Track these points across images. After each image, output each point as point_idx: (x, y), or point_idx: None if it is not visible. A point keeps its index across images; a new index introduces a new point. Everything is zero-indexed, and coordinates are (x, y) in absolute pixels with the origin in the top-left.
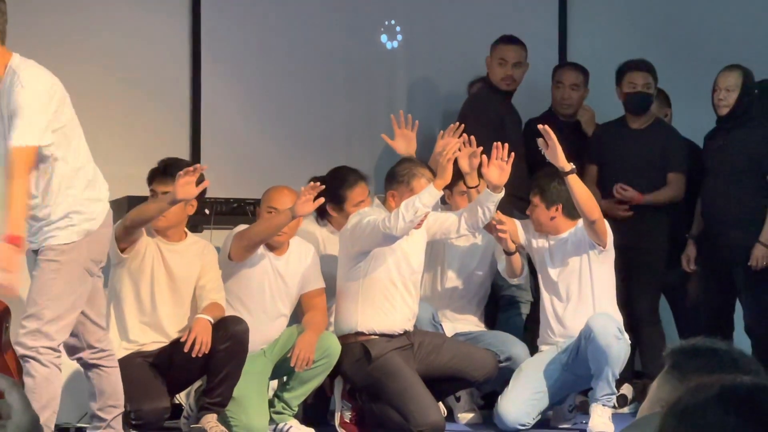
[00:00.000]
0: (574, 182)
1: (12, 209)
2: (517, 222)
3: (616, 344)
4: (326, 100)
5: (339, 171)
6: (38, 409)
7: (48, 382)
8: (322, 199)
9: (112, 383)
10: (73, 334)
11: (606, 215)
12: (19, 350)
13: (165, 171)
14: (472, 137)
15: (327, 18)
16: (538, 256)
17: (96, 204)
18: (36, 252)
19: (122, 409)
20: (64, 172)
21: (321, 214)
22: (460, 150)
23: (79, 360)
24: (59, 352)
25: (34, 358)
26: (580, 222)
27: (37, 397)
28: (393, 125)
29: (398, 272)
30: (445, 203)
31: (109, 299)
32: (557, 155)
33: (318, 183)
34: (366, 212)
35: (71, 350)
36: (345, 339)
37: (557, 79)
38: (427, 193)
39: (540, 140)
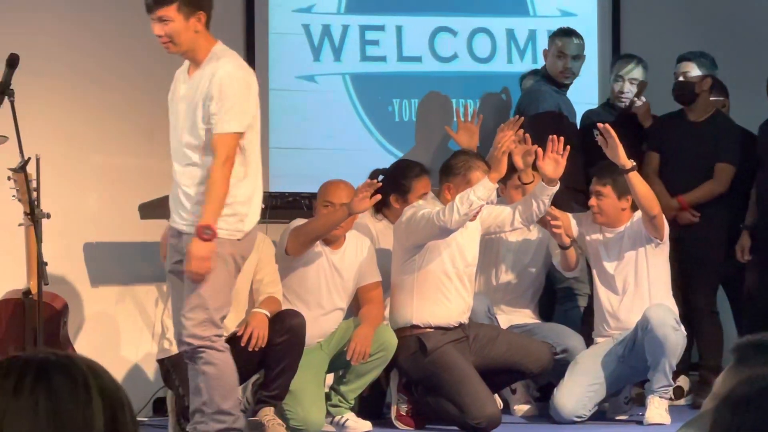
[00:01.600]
0: (635, 179)
1: (209, 197)
2: (571, 216)
3: (674, 335)
4: (379, 93)
5: (404, 162)
6: (225, 393)
7: (228, 366)
8: (379, 196)
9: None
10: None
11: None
12: (193, 342)
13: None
14: (527, 135)
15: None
16: (592, 250)
17: (255, 206)
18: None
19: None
20: (238, 164)
21: (377, 208)
22: (516, 146)
23: (184, 352)
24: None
25: (209, 347)
26: (636, 215)
27: (222, 383)
28: (456, 118)
29: (453, 265)
30: (499, 196)
31: (166, 294)
32: (618, 153)
33: (375, 180)
34: (420, 205)
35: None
36: (400, 332)
37: (616, 73)
38: (481, 187)
39: (599, 138)
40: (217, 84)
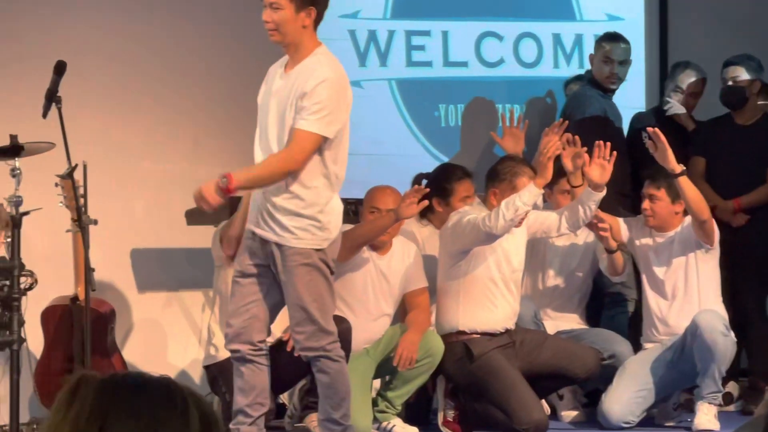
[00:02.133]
0: (685, 183)
1: (258, 167)
2: (620, 220)
3: (723, 341)
4: (425, 98)
5: (447, 166)
6: (337, 401)
7: (341, 375)
8: (426, 202)
9: (264, 381)
10: (242, 326)
11: (719, 221)
12: (308, 354)
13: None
14: (576, 137)
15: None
16: (641, 255)
17: (338, 215)
18: (278, 246)
19: (267, 408)
20: (324, 173)
21: (422, 214)
22: (564, 149)
23: (235, 352)
24: (338, 342)
25: (324, 357)
26: (686, 220)
27: (334, 392)
28: (502, 123)
29: (499, 271)
30: (545, 201)
31: (213, 299)
32: (667, 157)
33: (422, 186)
34: (466, 211)
35: (233, 340)
36: (446, 338)
37: (676, 84)
38: (527, 192)
39: (649, 143)
40: (314, 83)
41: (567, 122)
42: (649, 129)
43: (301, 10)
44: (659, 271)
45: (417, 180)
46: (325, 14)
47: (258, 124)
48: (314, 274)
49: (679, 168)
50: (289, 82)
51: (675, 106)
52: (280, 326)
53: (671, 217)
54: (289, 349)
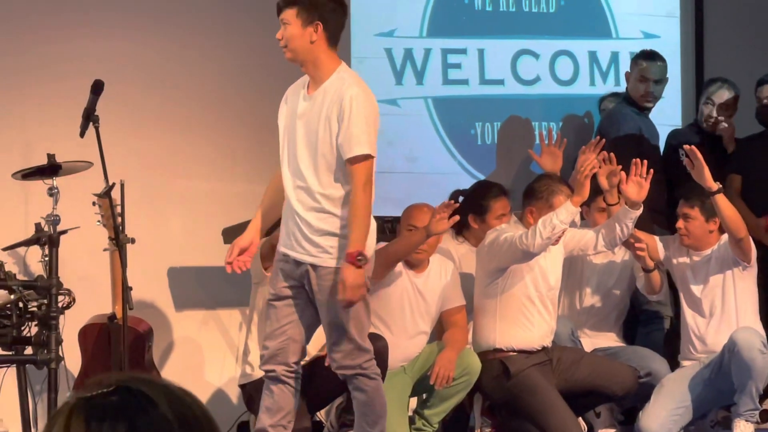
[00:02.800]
0: (722, 201)
1: (355, 223)
2: (657, 238)
3: (761, 358)
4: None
5: (483, 183)
6: (374, 419)
7: (377, 393)
8: (457, 217)
9: (291, 403)
10: (278, 348)
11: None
12: (345, 372)
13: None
14: (612, 154)
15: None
16: (679, 273)
17: (373, 228)
18: (314, 267)
19: (291, 429)
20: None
21: (458, 231)
22: (600, 167)
23: (270, 372)
24: (374, 359)
25: (361, 375)
26: (723, 238)
27: (371, 409)
28: (540, 141)
29: (535, 288)
30: (582, 219)
31: (249, 317)
32: (704, 175)
33: (452, 201)
34: (503, 229)
35: (268, 361)
36: (483, 356)
37: (708, 96)
38: (564, 210)
39: (686, 160)
40: (348, 105)
41: (603, 140)
42: (686, 146)
43: (307, 26)
44: (696, 289)
45: (454, 197)
46: (340, 34)
47: (283, 147)
48: None
49: (715, 186)
50: (315, 104)
51: (721, 124)
52: (315, 345)
53: (706, 235)
54: (327, 364)
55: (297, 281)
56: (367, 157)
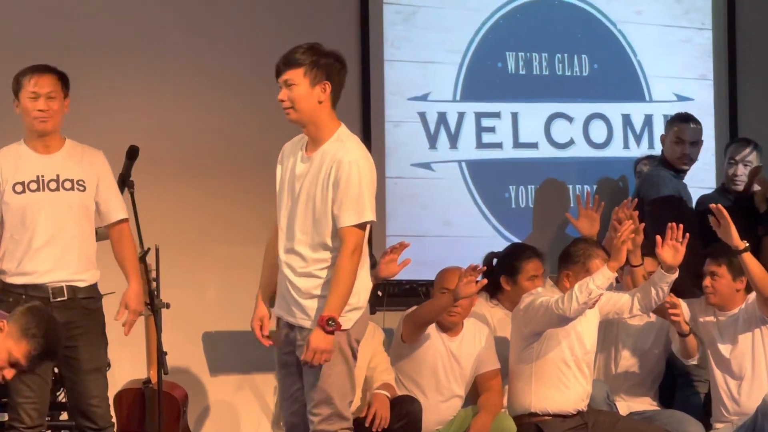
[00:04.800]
0: (749, 260)
1: (336, 289)
2: (682, 301)
3: None
4: (496, 179)
5: (516, 245)
6: None
7: None
8: (485, 281)
9: None
10: (293, 421)
11: None
12: None
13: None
14: (634, 213)
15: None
16: (705, 333)
17: (365, 294)
18: (300, 329)
19: None
20: None
21: (492, 294)
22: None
23: None
24: (354, 430)
25: None
26: (750, 297)
27: None
28: (577, 204)
29: (571, 353)
30: (617, 282)
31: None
32: (730, 234)
33: (479, 265)
34: (539, 293)
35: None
36: (519, 420)
37: (730, 156)
38: (601, 275)
39: (712, 219)
40: (346, 172)
41: (636, 200)
42: (712, 206)
43: (315, 85)
44: (725, 349)
45: (487, 259)
46: (340, 95)
47: (281, 207)
48: (336, 356)
49: (742, 244)
50: (313, 166)
51: (745, 181)
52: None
53: (733, 294)
54: (367, 424)
55: (294, 346)
56: (360, 226)
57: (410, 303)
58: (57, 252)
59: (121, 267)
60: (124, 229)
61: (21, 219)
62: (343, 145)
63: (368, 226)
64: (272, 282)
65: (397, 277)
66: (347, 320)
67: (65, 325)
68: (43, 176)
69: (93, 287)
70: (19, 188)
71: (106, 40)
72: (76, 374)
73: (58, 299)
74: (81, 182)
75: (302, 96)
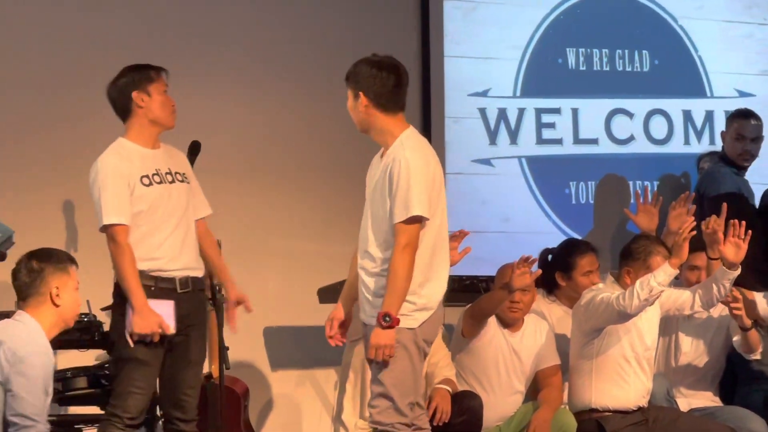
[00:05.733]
0: None
1: (390, 285)
2: (758, 295)
3: None
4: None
5: (571, 240)
6: None
7: None
8: (539, 272)
9: None
10: None
11: None
12: (378, 428)
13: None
14: (692, 207)
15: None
16: None
17: (433, 292)
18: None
19: None
20: (419, 253)
21: (549, 290)
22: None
23: None
24: (411, 428)
25: None
26: None
27: None
28: (636, 200)
29: (632, 349)
30: (676, 278)
31: (344, 375)
32: None
33: (531, 256)
34: (600, 288)
35: None
36: (579, 416)
37: None
38: (662, 272)
39: None
40: (396, 170)
41: (693, 194)
42: None
43: (356, 98)
44: None
45: (542, 256)
46: (397, 96)
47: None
48: (400, 352)
49: None
50: (379, 170)
51: None
52: None
53: None
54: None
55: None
56: (410, 221)
57: (470, 299)
58: (180, 241)
59: (211, 262)
60: (206, 225)
61: (152, 211)
62: (401, 146)
63: (423, 221)
64: (352, 291)
65: (457, 273)
66: (413, 319)
67: (184, 317)
68: (159, 169)
69: (203, 279)
70: (146, 181)
71: (172, 35)
72: (180, 364)
73: (184, 291)
74: (185, 175)
75: (351, 109)
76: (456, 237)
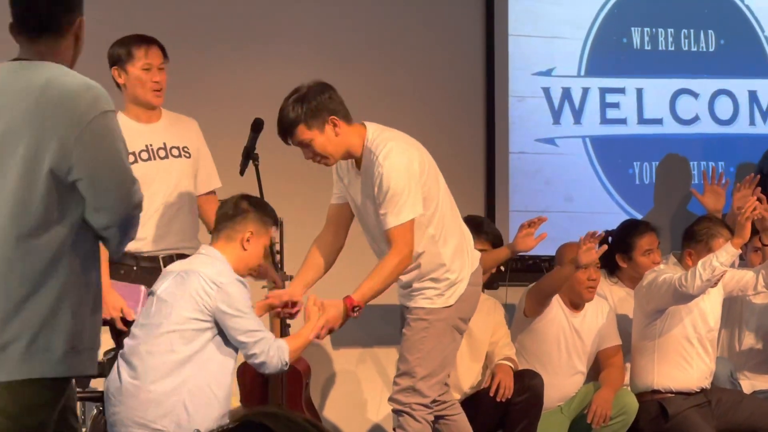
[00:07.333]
0: None
1: (376, 277)
2: None
3: None
4: (620, 155)
5: (630, 221)
6: None
7: None
8: (605, 247)
9: (461, 429)
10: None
11: None
12: (395, 406)
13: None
14: (763, 195)
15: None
16: None
17: (461, 267)
18: (407, 309)
19: None
20: (431, 236)
21: (610, 271)
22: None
23: (394, 410)
24: (431, 408)
25: (408, 414)
26: None
27: None
28: (703, 180)
29: (694, 330)
30: (741, 259)
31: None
32: None
33: (597, 231)
34: (662, 269)
35: None
36: (641, 397)
37: None
38: (724, 252)
39: None
40: (377, 179)
41: (759, 176)
42: None
43: (324, 127)
44: None
45: (602, 237)
46: (344, 105)
47: (357, 218)
48: (429, 332)
49: None
50: (366, 180)
51: None
52: (470, 382)
53: None
54: (491, 393)
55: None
56: (406, 225)
57: (533, 278)
58: (166, 220)
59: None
60: (216, 199)
61: None
62: (372, 154)
63: (412, 220)
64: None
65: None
66: (446, 297)
67: None
68: (151, 145)
69: None
70: (131, 158)
71: (237, 11)
72: None
73: None
74: (186, 149)
75: (323, 145)
76: (534, 223)
